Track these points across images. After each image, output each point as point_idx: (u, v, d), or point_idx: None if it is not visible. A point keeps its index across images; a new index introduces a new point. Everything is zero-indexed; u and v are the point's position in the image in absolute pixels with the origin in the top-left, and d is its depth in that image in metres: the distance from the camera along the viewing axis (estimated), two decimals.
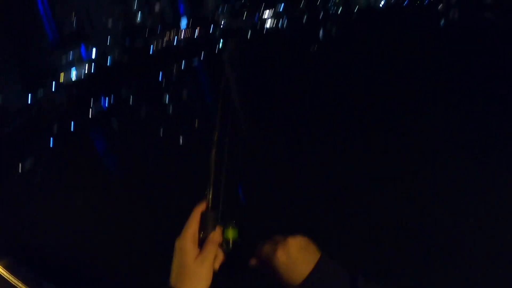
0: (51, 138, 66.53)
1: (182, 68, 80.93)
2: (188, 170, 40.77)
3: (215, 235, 1.96)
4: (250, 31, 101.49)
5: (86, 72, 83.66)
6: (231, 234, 2.05)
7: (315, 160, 31.01)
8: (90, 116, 70.26)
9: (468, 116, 27.00)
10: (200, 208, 2.07)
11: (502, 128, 23.33)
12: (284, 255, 1.88)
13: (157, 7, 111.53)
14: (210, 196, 2.14)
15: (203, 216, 2.07)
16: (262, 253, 2.00)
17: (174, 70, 79.48)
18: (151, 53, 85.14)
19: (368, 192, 22.24)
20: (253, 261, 2.05)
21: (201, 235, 2.07)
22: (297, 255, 1.87)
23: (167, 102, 68.66)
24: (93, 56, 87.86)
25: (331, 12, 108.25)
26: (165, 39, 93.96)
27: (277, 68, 67.43)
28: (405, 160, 23.40)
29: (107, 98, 72.95)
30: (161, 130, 58.33)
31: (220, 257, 2.00)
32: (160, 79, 76.04)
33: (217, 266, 1.95)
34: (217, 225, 2.07)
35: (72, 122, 69.35)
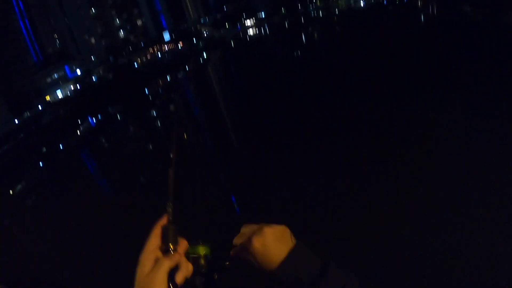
0: (41, 160, 66.05)
1: (168, 81, 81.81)
2: (177, 184, 40.40)
3: (167, 259, 1.89)
4: (233, 40, 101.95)
5: (72, 91, 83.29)
6: (201, 250, 2.03)
7: (306, 165, 31.07)
8: (78, 135, 69.95)
9: (451, 107, 27.20)
10: (161, 222, 2.00)
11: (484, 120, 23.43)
12: (259, 243, 1.93)
13: (139, 23, 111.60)
14: (171, 210, 2.16)
15: (164, 230, 2.01)
16: (240, 240, 2.02)
17: (160, 84, 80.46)
18: (135, 68, 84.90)
19: (355, 196, 22.23)
20: (232, 250, 2.05)
21: (163, 249, 2.06)
22: (271, 243, 1.93)
23: (154, 116, 68.75)
24: (78, 75, 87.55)
25: (312, 15, 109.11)
26: (149, 54, 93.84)
27: (263, 74, 67.68)
28: (392, 162, 23.31)
29: (94, 116, 72.64)
30: (150, 145, 58.38)
31: (185, 270, 2.00)
32: (146, 94, 76.02)
33: (180, 278, 1.96)
34: (177, 238, 2.10)
35: (61, 142, 68.96)
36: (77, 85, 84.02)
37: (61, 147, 65.73)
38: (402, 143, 24.01)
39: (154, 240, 1.93)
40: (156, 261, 1.84)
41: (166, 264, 1.84)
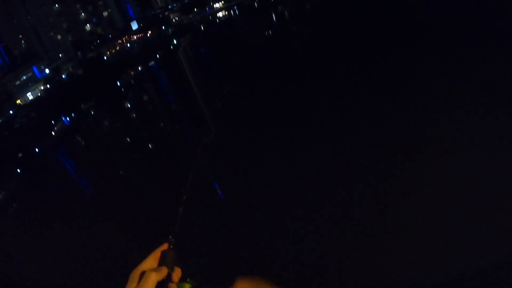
0: (18, 166, 64.57)
1: (139, 71, 80.00)
2: (160, 176, 39.91)
3: (154, 272, 1.99)
4: (202, 24, 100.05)
5: (42, 91, 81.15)
6: (187, 286, 2.12)
7: (285, 147, 30.80)
8: (53, 136, 68.38)
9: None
10: (162, 247, 2.16)
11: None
12: None
13: (105, 14, 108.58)
14: (173, 240, 2.27)
15: (163, 255, 2.15)
16: None
17: (132, 75, 78.61)
18: (105, 61, 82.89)
19: (341, 182, 21.97)
20: None
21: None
22: None
23: (129, 107, 67.55)
24: (47, 74, 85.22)
25: None
26: (118, 45, 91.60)
27: (235, 56, 66.82)
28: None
29: (67, 114, 71.03)
30: (128, 137, 57.42)
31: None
32: (118, 86, 74.46)
33: None
34: (174, 265, 2.15)
35: (36, 145, 67.39)
36: (47, 84, 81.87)
37: (37, 150, 64.37)
38: (383, 125, 23.64)
39: (150, 261, 2.06)
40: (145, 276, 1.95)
41: (154, 277, 1.94)
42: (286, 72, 42.27)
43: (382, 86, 30.49)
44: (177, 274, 2.06)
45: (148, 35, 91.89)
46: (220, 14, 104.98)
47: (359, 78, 32.83)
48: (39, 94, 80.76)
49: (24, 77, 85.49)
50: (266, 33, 71.54)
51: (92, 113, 66.43)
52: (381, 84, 31.20)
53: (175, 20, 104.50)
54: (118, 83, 71.76)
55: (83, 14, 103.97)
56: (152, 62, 76.70)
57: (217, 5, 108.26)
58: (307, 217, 18.27)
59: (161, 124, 51.61)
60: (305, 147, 25.41)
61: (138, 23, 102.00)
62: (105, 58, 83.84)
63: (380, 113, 26.49)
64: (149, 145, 47.26)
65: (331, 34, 50.41)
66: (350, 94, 29.75)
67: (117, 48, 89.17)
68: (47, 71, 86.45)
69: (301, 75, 40.17)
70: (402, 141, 21.58)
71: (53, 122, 67.86)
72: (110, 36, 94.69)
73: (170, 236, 2.31)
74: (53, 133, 65.19)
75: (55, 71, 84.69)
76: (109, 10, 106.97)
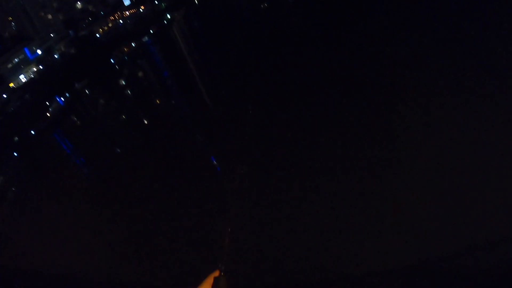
0: (14, 150, 63.34)
1: (133, 47, 77.45)
2: (157, 151, 38.63)
3: None
4: None
5: (35, 73, 79.14)
6: None
7: (280, 117, 29.65)
8: (49, 117, 66.90)
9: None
10: (214, 274, 2.73)
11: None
12: None
13: None
14: (224, 267, 2.82)
15: (216, 281, 2.70)
16: None
17: (125, 51, 76.16)
18: (98, 39, 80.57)
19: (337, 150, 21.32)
20: None
21: None
22: None
23: (123, 85, 65.82)
24: (39, 55, 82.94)
25: None
26: (110, 22, 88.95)
27: (230, 28, 64.68)
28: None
29: (62, 95, 69.34)
30: (123, 115, 55.98)
31: None
32: (112, 63, 72.49)
33: None
34: None
35: (32, 128, 66.01)
36: (40, 66, 79.74)
37: (33, 133, 63.02)
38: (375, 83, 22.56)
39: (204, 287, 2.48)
40: None
41: None
42: (287, 44, 40.76)
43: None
44: None
45: (141, 10, 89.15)
46: None
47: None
48: (32, 76, 78.78)
49: (16, 60, 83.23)
50: (261, 5, 69.06)
51: (87, 92, 64.81)
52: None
53: None
54: (112, 61, 69.80)
55: None
56: (146, 38, 74.51)
57: None
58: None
59: (157, 101, 50.06)
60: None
61: None
62: (97, 35, 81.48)
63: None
64: (145, 121, 45.86)
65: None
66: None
67: (110, 25, 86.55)
68: (39, 52, 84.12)
69: (300, 43, 38.60)
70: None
71: (47, 103, 66.22)
72: (102, 13, 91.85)
73: (220, 264, 2.80)
74: (48, 114, 63.63)
75: (47, 52, 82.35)
76: None
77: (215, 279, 2.58)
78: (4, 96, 76.72)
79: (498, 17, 24.65)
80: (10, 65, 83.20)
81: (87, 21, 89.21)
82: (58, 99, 66.18)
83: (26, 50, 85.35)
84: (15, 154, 60.91)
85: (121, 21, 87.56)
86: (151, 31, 75.45)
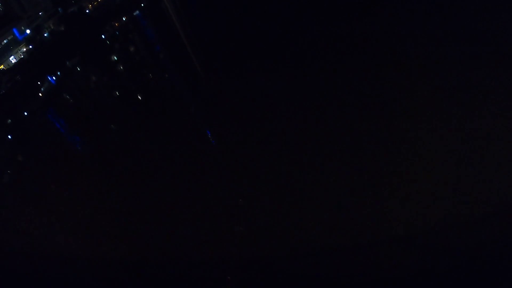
0: (8, 132, 61.95)
1: (124, 21, 74.91)
2: (151, 126, 37.24)
3: None
4: None
5: (25, 53, 76.89)
6: None
7: (275, 89, 28.32)
8: (41, 97, 65.20)
9: None
10: None
11: None
12: None
13: None
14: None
15: None
16: None
17: (116, 26, 73.69)
18: (88, 15, 77.96)
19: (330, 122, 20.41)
20: None
21: None
22: None
23: (115, 60, 63.82)
24: (29, 35, 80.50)
25: None
26: None
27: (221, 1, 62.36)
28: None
29: (53, 74, 67.47)
30: (116, 91, 54.28)
31: None
32: (103, 39, 70.25)
33: None
34: None
35: (25, 109, 64.41)
36: (29, 45, 77.41)
37: (26, 114, 61.45)
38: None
39: None
40: None
41: None
42: (278, 13, 39.16)
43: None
44: None
45: None
46: None
47: None
48: (22, 57, 76.58)
49: (4, 41, 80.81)
50: None
51: (78, 69, 62.91)
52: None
53: None
54: (103, 36, 67.60)
55: None
56: (137, 12, 72.04)
57: None
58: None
59: (150, 75, 48.30)
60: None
61: None
62: (87, 11, 78.84)
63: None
64: (139, 97, 44.26)
65: None
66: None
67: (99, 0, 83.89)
68: (28, 31, 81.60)
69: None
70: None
71: (39, 83, 64.39)
72: None
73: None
74: (40, 94, 61.90)
75: (36, 31, 79.83)
76: None
77: None
78: None
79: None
80: None
81: None
82: (49, 78, 64.35)
83: (15, 30, 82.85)
84: (9, 136, 59.58)
85: None
86: (142, 4, 72.93)
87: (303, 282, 14.99)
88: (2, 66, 77.83)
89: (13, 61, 77.89)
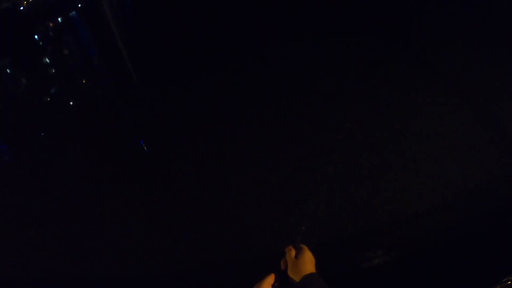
0: None
1: (59, 22, 72.76)
2: (83, 133, 37.34)
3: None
4: None
5: None
6: None
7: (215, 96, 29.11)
8: None
9: None
10: (270, 280, 2.62)
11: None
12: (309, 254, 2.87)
13: None
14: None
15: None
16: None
17: (50, 26, 71.56)
18: (21, 12, 75.31)
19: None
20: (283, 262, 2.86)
21: None
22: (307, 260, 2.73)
23: (48, 62, 61.86)
24: None
25: None
26: None
27: (161, 7, 62.16)
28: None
29: None
30: (47, 96, 52.75)
31: None
32: (36, 39, 68.05)
33: None
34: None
35: None
36: None
37: None
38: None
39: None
40: None
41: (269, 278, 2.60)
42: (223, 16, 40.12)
43: None
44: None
45: None
46: None
47: None
48: None
49: None
50: None
51: (8, 71, 60.70)
52: None
53: None
54: (36, 37, 65.68)
55: None
56: (73, 12, 70.57)
57: None
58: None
59: (83, 80, 47.62)
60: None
61: None
62: (21, 8, 76.06)
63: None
64: (70, 102, 43.58)
65: None
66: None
67: None
68: None
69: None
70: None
71: None
72: None
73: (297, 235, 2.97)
74: None
75: None
76: None
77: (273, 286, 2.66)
78: None
79: None
80: None
81: None
82: None
83: None
84: None
85: None
86: (79, 5, 71.62)
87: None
88: None
89: None
